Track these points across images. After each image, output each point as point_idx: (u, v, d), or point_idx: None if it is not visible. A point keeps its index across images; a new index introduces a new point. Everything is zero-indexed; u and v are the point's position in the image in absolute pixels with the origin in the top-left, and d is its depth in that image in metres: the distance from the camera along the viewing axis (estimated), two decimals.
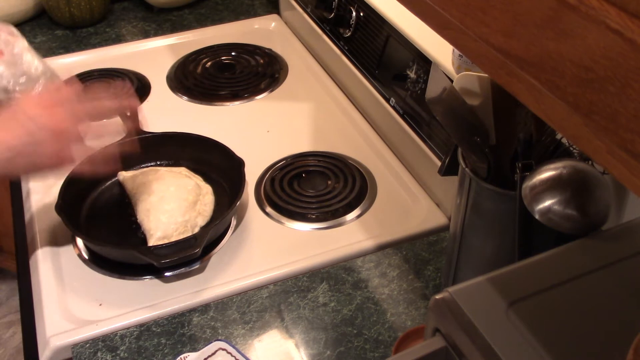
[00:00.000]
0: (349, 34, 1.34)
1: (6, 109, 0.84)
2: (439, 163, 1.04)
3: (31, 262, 1.03)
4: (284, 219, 1.09)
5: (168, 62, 1.51)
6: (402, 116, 1.17)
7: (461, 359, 0.57)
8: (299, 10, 1.56)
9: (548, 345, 0.54)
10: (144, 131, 1.19)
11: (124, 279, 0.99)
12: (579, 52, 0.36)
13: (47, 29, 1.64)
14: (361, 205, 1.11)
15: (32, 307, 0.96)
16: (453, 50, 1.01)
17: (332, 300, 0.95)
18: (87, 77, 1.45)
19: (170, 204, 1.03)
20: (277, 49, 1.56)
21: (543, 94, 0.39)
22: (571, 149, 0.78)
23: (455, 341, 0.57)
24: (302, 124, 1.32)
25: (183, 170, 1.14)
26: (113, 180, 1.15)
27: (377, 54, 1.25)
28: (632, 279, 0.60)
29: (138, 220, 1.05)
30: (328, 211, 1.10)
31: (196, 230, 1.02)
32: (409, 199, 1.13)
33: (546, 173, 0.68)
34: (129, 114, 1.06)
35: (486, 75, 0.77)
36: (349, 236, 1.06)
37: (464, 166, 0.81)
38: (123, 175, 1.13)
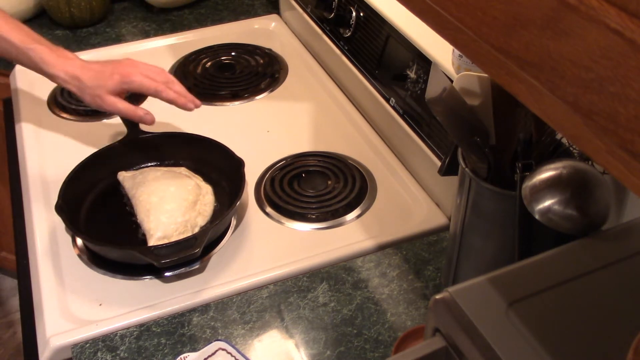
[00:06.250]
0: (349, 34, 1.34)
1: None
2: (439, 163, 1.04)
3: (31, 262, 1.03)
4: (284, 219, 1.09)
5: (168, 62, 1.51)
6: (402, 116, 1.17)
7: (461, 359, 0.57)
8: (299, 10, 1.56)
9: (548, 345, 0.54)
10: (144, 131, 1.19)
11: (124, 279, 0.99)
12: (579, 52, 0.36)
13: (47, 29, 1.64)
14: (361, 205, 1.11)
15: (32, 307, 0.96)
16: (453, 50, 1.01)
17: (332, 300, 0.95)
18: None
19: (170, 204, 1.03)
20: (277, 49, 1.56)
21: (543, 94, 0.39)
22: (571, 149, 0.78)
23: (455, 341, 0.57)
24: (302, 124, 1.32)
25: (183, 170, 1.14)
26: (113, 180, 1.15)
27: (377, 54, 1.25)
28: (632, 279, 0.60)
29: (138, 220, 1.05)
30: (328, 211, 1.10)
31: (196, 230, 1.02)
32: (409, 199, 1.13)
33: (546, 173, 0.68)
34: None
35: (486, 75, 0.77)
36: (349, 236, 1.06)
37: (464, 166, 0.81)
38: (123, 175, 1.13)
